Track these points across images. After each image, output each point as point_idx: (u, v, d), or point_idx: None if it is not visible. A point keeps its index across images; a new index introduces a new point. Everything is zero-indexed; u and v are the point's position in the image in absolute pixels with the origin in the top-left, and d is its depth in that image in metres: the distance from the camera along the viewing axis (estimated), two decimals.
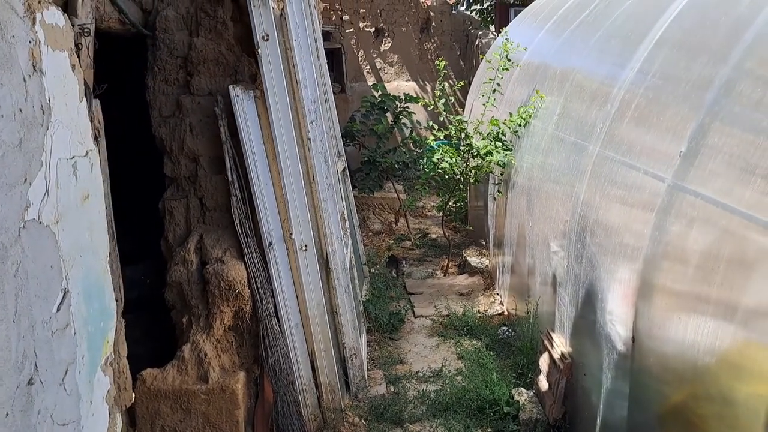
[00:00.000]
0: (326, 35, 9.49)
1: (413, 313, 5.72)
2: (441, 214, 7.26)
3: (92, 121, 2.54)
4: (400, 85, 10.43)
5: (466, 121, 5.97)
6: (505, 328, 5.27)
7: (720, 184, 2.37)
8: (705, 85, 2.69)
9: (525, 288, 4.86)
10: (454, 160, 5.75)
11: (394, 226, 8.09)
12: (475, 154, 5.66)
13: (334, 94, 6.84)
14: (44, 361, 1.76)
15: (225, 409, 3.54)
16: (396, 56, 10.54)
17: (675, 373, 2.58)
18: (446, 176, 6.03)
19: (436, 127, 6.38)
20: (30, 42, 1.76)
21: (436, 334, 5.32)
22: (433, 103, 6.46)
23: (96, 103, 2.63)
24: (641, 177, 2.96)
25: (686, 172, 2.59)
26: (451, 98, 7.32)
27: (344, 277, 4.05)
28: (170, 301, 3.78)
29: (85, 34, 2.50)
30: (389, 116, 7.88)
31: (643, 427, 2.90)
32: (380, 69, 10.52)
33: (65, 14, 2.10)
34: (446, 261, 6.71)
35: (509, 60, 5.78)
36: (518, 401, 4.06)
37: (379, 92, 7.81)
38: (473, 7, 14.33)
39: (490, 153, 5.45)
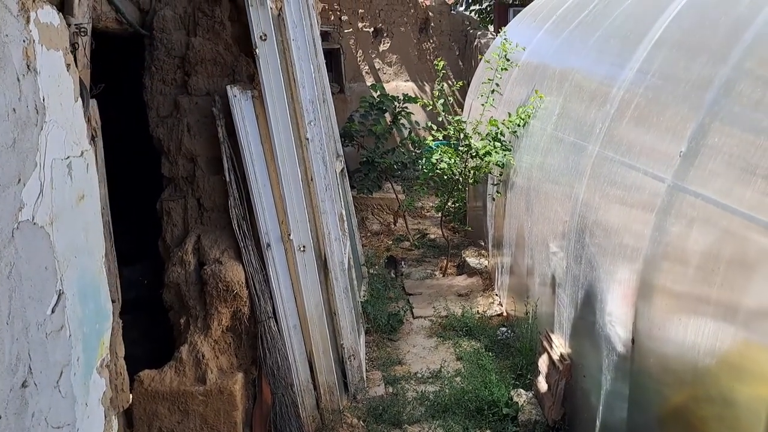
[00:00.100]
0: (325, 35, 9.47)
1: (412, 313, 5.71)
2: (440, 214, 7.25)
3: (89, 121, 2.52)
4: (399, 85, 10.41)
5: (464, 122, 5.95)
6: (504, 329, 5.25)
7: (720, 185, 2.36)
8: (705, 85, 2.68)
9: (524, 289, 4.84)
10: (452, 160, 5.74)
11: (392, 226, 8.08)
12: (474, 154, 5.64)
13: (333, 94, 6.83)
14: (38, 363, 1.74)
15: (223, 410, 3.53)
16: (395, 56, 10.53)
17: (675, 375, 2.57)
18: (445, 177, 6.02)
19: (435, 127, 6.37)
20: (24, 41, 1.74)
21: (434, 334, 5.31)
22: (431, 103, 6.45)
23: (93, 103, 2.61)
24: (641, 177, 2.94)
25: (686, 173, 2.58)
26: (449, 98, 7.31)
27: (343, 277, 4.04)
28: (168, 302, 3.76)
29: (82, 34, 2.49)
30: (388, 117, 7.87)
31: (643, 428, 2.88)
32: (379, 69, 10.50)
33: (60, 13, 2.08)
34: (445, 262, 6.70)
35: (508, 60, 5.77)
36: (517, 402, 4.05)
37: (378, 92, 7.79)
38: (472, 8, 14.32)
39: (488, 153, 5.44)
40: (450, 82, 9.64)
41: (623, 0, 4.22)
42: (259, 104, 3.67)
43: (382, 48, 10.46)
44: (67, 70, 2.10)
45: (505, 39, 5.90)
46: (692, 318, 2.42)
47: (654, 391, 2.78)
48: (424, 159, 5.98)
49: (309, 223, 3.83)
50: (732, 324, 2.21)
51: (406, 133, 8.39)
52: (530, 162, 4.86)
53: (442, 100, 6.40)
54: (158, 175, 3.89)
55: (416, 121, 8.47)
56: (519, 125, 5.17)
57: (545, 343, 4.08)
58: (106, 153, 2.83)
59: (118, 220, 3.01)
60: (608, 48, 4.14)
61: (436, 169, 5.79)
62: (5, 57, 1.61)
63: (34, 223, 1.75)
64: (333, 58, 10.04)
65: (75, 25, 2.41)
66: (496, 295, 5.96)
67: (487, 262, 6.54)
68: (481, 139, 5.64)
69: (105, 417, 2.30)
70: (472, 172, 5.85)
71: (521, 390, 4.16)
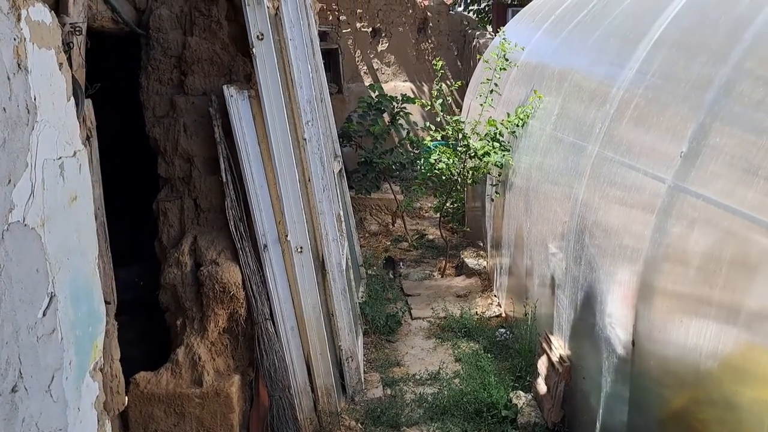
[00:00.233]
0: (323, 35, 9.45)
1: (410, 315, 5.68)
2: (438, 215, 7.23)
3: (84, 121, 2.49)
4: (397, 85, 10.40)
5: (463, 122, 5.93)
6: (502, 330, 5.23)
7: (722, 185, 2.34)
8: (705, 85, 2.66)
9: (523, 290, 4.82)
10: (451, 160, 5.72)
11: (391, 227, 8.05)
12: (473, 154, 5.62)
13: (331, 94, 6.81)
14: (29, 367, 1.71)
15: (219, 413, 3.49)
16: (393, 57, 10.51)
17: (676, 377, 2.54)
18: (443, 177, 5.99)
19: (434, 127, 6.34)
20: (14, 39, 1.71)
21: (433, 336, 5.28)
22: (430, 103, 6.42)
23: (88, 102, 2.58)
24: (641, 178, 2.92)
25: (687, 173, 2.55)
26: (448, 99, 7.28)
27: (340, 279, 4.01)
28: (164, 304, 3.73)
29: (77, 33, 2.46)
30: (386, 117, 7.85)
31: (643, 431, 2.86)
32: (377, 69, 10.48)
33: (52, 11, 2.05)
34: (443, 262, 6.67)
35: (507, 60, 5.75)
36: (516, 404, 4.02)
37: (376, 93, 7.77)
38: (470, 8, 14.31)
39: (487, 154, 5.42)
40: (448, 82, 9.62)
41: (622, 0, 4.21)
42: (256, 104, 3.64)
43: (380, 48, 10.44)
44: (60, 69, 2.06)
45: (503, 39, 5.88)
46: (693, 320, 2.39)
47: (655, 393, 2.75)
48: (422, 159, 5.96)
49: (306, 223, 3.80)
50: (734, 326, 2.18)
51: (404, 133, 8.37)
52: (529, 162, 4.84)
53: (440, 100, 6.38)
54: (154, 175, 3.86)
55: (414, 122, 8.45)
56: (518, 125, 5.14)
57: (544, 345, 4.05)
58: (101, 153, 2.80)
59: (115, 220, 2.98)
60: (607, 48, 4.12)
61: (435, 169, 5.77)
62: None
63: (25, 225, 1.72)
64: (331, 58, 10.02)
65: (70, 24, 2.38)
66: (495, 296, 5.94)
67: (485, 262, 6.52)
68: (480, 140, 5.62)
69: (98, 421, 2.27)
70: (470, 172, 5.83)
71: (520, 392, 4.13)
